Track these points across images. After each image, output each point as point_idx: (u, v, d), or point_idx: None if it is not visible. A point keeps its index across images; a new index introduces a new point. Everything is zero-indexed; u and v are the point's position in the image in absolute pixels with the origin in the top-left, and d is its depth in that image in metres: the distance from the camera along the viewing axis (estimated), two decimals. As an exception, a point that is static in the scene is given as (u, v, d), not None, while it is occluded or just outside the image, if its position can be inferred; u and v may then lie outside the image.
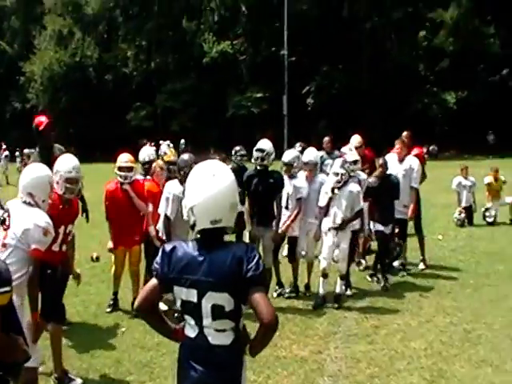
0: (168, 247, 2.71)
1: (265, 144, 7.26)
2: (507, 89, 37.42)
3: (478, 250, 10.25)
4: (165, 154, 8.95)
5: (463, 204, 12.98)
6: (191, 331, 2.70)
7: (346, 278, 7.48)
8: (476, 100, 36.58)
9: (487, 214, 12.94)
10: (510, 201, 13.01)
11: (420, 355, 5.58)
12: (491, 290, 7.76)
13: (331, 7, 40.20)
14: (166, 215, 6.36)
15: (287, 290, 7.67)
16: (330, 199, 7.24)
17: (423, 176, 9.16)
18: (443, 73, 38.77)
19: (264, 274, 2.62)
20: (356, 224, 7.49)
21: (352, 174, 7.48)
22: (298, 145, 9.88)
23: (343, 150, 8.42)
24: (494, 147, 35.39)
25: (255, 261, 2.58)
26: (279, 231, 7.21)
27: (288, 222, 7.41)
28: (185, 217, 2.72)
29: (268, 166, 7.23)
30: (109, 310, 7.08)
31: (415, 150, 9.31)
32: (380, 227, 8.00)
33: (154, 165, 7.34)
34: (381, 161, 8.02)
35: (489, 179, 13.35)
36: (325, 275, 7.23)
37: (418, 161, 8.76)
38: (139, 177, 7.31)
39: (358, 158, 7.84)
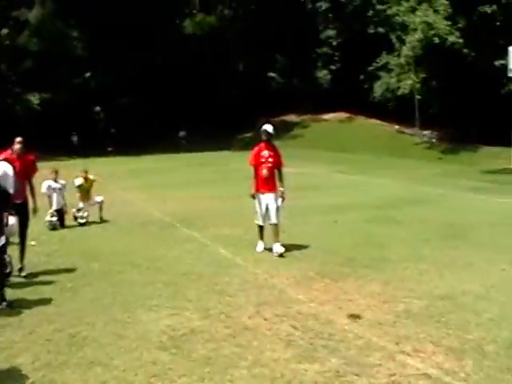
0: None
1: None
2: (89, 91, 39.01)
3: (72, 251, 10.42)
4: None
5: (54, 207, 12.98)
6: None
7: None
8: (60, 101, 37.09)
9: (79, 214, 13.23)
10: (99, 200, 13.60)
11: (28, 370, 5.38)
12: (90, 289, 7.99)
13: None
14: None
15: None
16: None
17: None
18: (27, 73, 38.02)
19: None
20: None
21: None
22: None
23: None
24: (78, 148, 36.59)
25: None
26: None
27: None
28: None
29: None
30: None
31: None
32: None
33: None
34: None
35: (80, 181, 13.67)
36: None
37: (10, 166, 8.33)
38: None
39: None
